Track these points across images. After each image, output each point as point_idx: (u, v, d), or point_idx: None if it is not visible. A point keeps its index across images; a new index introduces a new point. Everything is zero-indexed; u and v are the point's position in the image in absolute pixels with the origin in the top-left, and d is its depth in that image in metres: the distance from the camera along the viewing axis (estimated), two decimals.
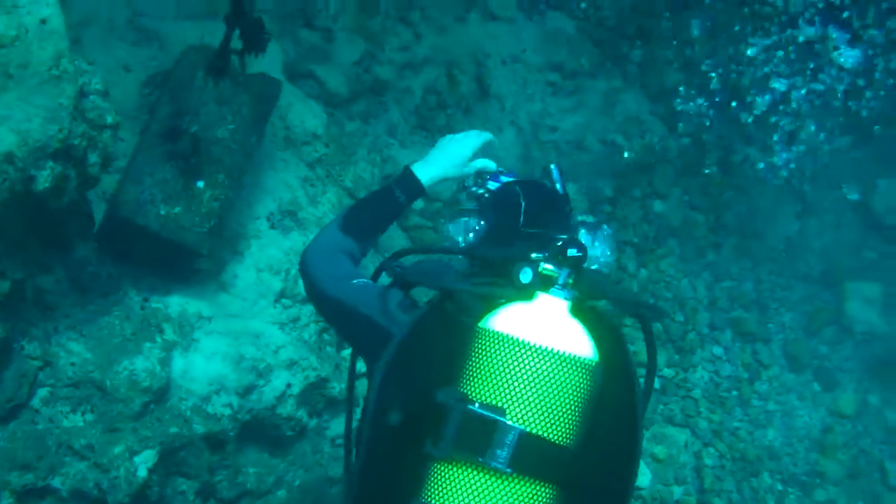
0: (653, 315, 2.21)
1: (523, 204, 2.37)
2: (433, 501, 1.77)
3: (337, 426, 4.32)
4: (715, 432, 5.57)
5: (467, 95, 5.48)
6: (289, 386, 3.88)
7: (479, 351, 1.83)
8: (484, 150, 2.67)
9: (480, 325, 1.87)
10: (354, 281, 2.31)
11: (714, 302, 5.86)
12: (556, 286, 1.92)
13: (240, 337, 3.83)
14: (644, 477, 5.32)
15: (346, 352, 4.42)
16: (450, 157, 2.60)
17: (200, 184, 3.67)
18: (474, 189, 2.59)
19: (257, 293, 4.01)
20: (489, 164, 2.62)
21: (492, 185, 2.56)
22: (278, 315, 4.04)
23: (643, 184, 5.86)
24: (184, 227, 3.60)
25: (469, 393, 1.80)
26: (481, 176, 2.61)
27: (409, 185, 2.55)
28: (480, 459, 1.74)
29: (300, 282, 4.02)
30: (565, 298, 1.91)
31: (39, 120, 2.74)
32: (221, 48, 2.94)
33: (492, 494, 1.75)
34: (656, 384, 4.90)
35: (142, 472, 3.26)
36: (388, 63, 5.36)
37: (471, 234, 2.48)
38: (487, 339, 1.83)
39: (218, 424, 3.61)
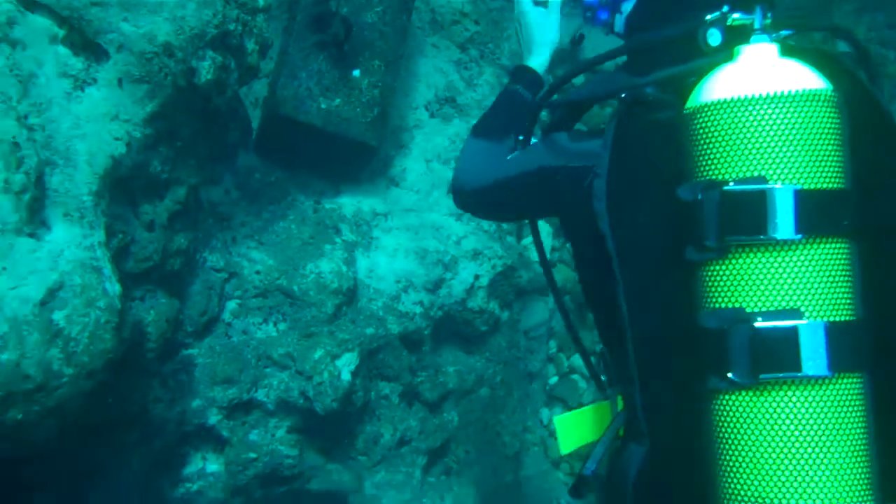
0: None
1: None
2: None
3: (528, 318, 4.15)
4: None
5: None
6: (477, 277, 3.71)
7: (705, 133, 1.57)
8: None
9: (690, 105, 1.61)
10: (512, 155, 2.05)
11: None
12: (755, 32, 1.64)
13: (419, 231, 3.68)
14: None
15: (527, 240, 4.23)
16: (543, 35, 2.29)
17: (357, 72, 3.50)
18: None
19: (430, 184, 3.84)
20: None
21: None
22: (453, 205, 3.86)
23: None
24: (347, 118, 3.45)
25: (719, 175, 1.54)
26: None
27: (526, 79, 2.25)
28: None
29: None
30: (772, 41, 1.63)
31: (193, 5, 2.60)
32: None
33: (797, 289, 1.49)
34: None
35: (346, 376, 3.18)
36: None
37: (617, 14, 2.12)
38: (708, 114, 1.57)
39: (412, 323, 3.49)
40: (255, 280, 3.22)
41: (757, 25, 1.65)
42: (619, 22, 2.10)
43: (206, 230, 3.14)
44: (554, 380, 4.34)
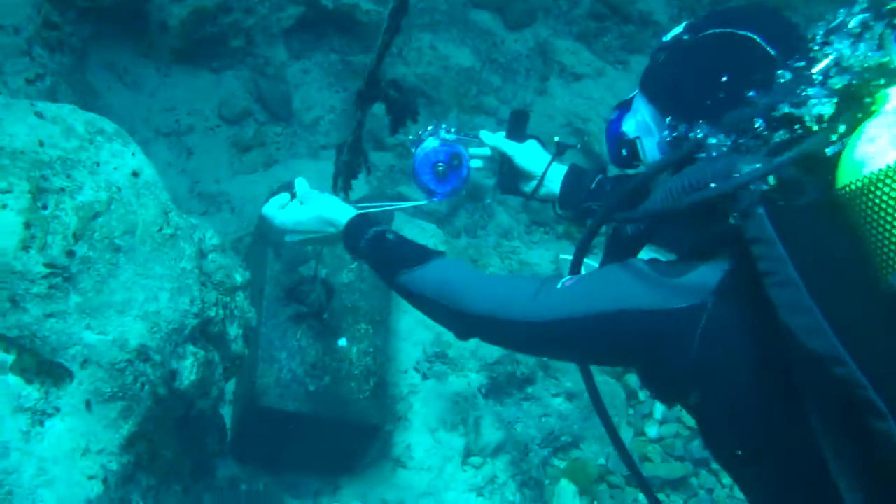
0: None
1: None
2: None
3: None
4: None
5: None
6: None
7: (882, 203, 1.28)
8: None
9: (849, 179, 1.32)
10: (557, 286, 1.75)
11: None
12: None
13: None
14: None
15: None
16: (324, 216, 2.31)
17: (342, 341, 3.12)
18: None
19: (441, 458, 3.40)
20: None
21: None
22: (472, 478, 3.42)
23: None
24: (342, 398, 3.02)
25: None
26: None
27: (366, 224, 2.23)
28: None
29: (483, 431, 3.48)
30: None
31: (166, 295, 2.21)
32: (353, 142, 2.45)
33: None
34: None
35: None
36: None
37: (662, 143, 1.84)
38: (888, 180, 1.27)
39: None
40: None
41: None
42: (650, 147, 1.84)
43: None
44: None
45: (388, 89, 2.30)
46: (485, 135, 2.46)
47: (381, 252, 2.16)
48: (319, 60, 4.80)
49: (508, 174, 2.46)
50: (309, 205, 2.34)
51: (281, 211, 2.38)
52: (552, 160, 2.42)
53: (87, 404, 2.03)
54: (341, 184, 2.62)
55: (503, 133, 2.46)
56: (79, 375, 2.02)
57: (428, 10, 5.06)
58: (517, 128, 2.44)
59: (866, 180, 1.30)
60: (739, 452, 1.61)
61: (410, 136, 2.42)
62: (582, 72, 5.17)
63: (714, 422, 1.67)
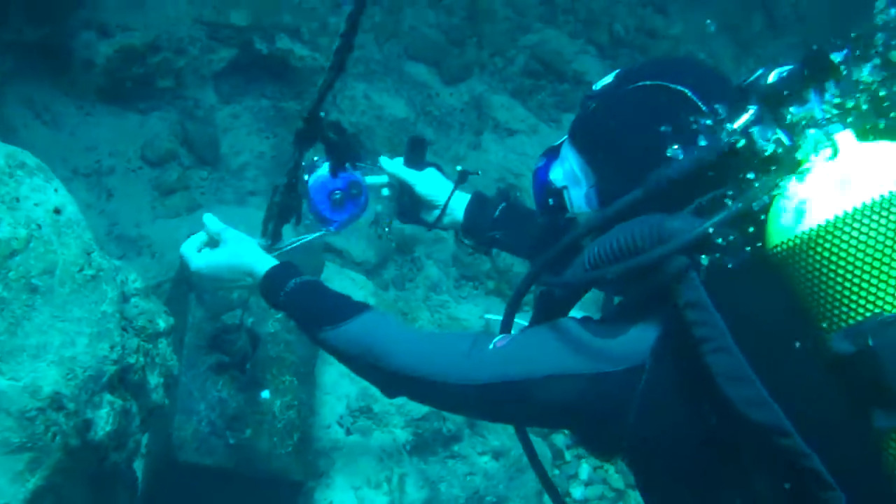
0: None
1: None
2: None
3: None
4: None
5: None
6: None
7: (832, 263, 1.27)
8: None
9: (780, 239, 1.33)
10: (489, 346, 1.71)
11: None
12: (818, 125, 1.38)
13: None
14: None
15: None
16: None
17: (266, 393, 3.02)
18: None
19: None
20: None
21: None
22: None
23: None
24: (264, 452, 2.92)
25: (875, 308, 1.24)
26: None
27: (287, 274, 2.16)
28: None
29: (408, 490, 3.39)
30: (845, 127, 1.38)
31: (84, 339, 2.11)
32: (288, 184, 2.37)
33: None
34: None
35: None
36: None
37: (590, 194, 1.80)
38: (826, 241, 1.27)
39: None
40: None
41: (818, 115, 1.38)
42: (577, 197, 1.80)
43: None
44: None
45: (328, 131, 2.24)
46: (384, 161, 2.41)
47: (302, 305, 2.08)
48: (250, 105, 4.74)
49: (409, 203, 2.42)
50: (224, 249, 2.26)
51: (196, 255, 2.30)
52: (455, 188, 2.38)
53: None
54: (271, 228, 2.54)
55: (402, 160, 2.42)
56: None
57: (363, 59, 5.06)
58: (415, 155, 2.39)
59: (802, 238, 1.29)
60: None
61: (304, 163, 2.35)
62: (516, 128, 5.22)
63: (653, 480, 1.64)
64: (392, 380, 1.87)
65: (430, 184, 2.38)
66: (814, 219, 1.29)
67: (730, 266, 1.38)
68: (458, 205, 2.37)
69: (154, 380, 2.37)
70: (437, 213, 2.38)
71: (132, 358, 2.25)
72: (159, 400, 2.39)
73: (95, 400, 2.12)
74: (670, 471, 1.56)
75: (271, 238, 2.44)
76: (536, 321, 1.74)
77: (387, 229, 2.49)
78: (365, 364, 1.91)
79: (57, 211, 2.19)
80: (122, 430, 2.24)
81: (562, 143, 1.90)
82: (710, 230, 1.37)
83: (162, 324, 2.41)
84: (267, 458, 2.90)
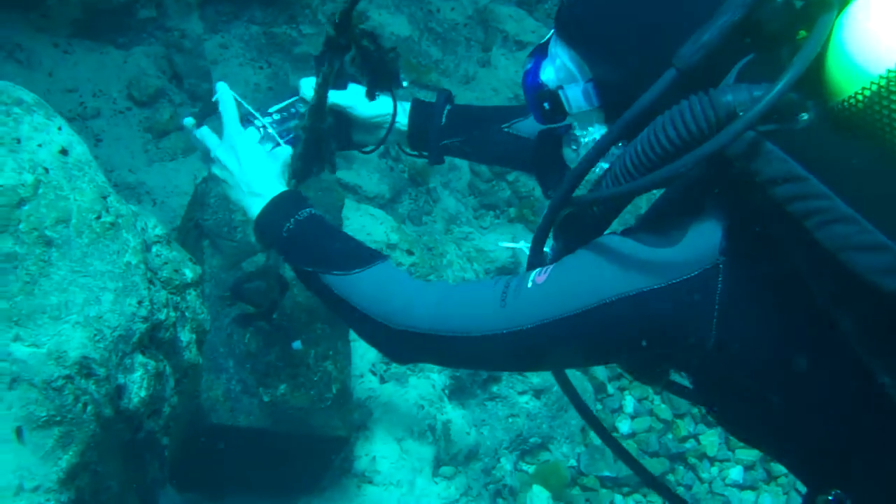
0: None
1: None
2: None
3: None
4: None
5: None
6: None
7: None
8: None
9: (850, 94, 1.22)
10: (527, 284, 1.58)
11: None
12: None
13: None
14: None
15: None
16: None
17: (297, 343, 2.82)
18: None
19: (410, 471, 3.15)
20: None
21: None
22: (444, 491, 3.17)
23: None
24: (301, 408, 2.73)
25: None
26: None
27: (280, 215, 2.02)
28: None
29: (454, 438, 3.23)
30: None
31: (109, 296, 1.90)
32: (317, 105, 2.11)
33: None
34: None
35: None
36: None
37: (588, 89, 1.68)
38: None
39: None
40: None
41: None
42: (574, 95, 1.67)
43: None
44: None
45: (363, 39, 2.00)
46: (306, 92, 2.20)
47: (312, 241, 1.91)
48: (240, 32, 4.46)
49: (343, 128, 2.25)
50: (233, 153, 2.13)
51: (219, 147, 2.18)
52: (394, 97, 2.22)
53: (18, 433, 1.71)
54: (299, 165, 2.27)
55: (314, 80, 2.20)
56: (6, 398, 1.70)
57: None
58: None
59: (880, 83, 1.18)
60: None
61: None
62: (527, 40, 4.96)
63: (734, 389, 1.52)
64: (410, 340, 1.71)
65: (365, 101, 2.21)
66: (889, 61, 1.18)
67: (797, 128, 1.26)
68: (399, 115, 2.23)
69: (185, 336, 2.17)
70: (382, 132, 2.22)
71: (162, 313, 2.05)
72: (192, 358, 2.20)
73: (126, 363, 1.93)
74: (758, 376, 1.44)
75: (299, 175, 2.23)
76: (567, 249, 1.60)
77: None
78: (371, 321, 1.77)
79: (63, 151, 1.97)
80: (156, 394, 2.06)
81: (549, 39, 1.76)
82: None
83: (189, 274, 2.20)
84: (305, 413, 2.72)
